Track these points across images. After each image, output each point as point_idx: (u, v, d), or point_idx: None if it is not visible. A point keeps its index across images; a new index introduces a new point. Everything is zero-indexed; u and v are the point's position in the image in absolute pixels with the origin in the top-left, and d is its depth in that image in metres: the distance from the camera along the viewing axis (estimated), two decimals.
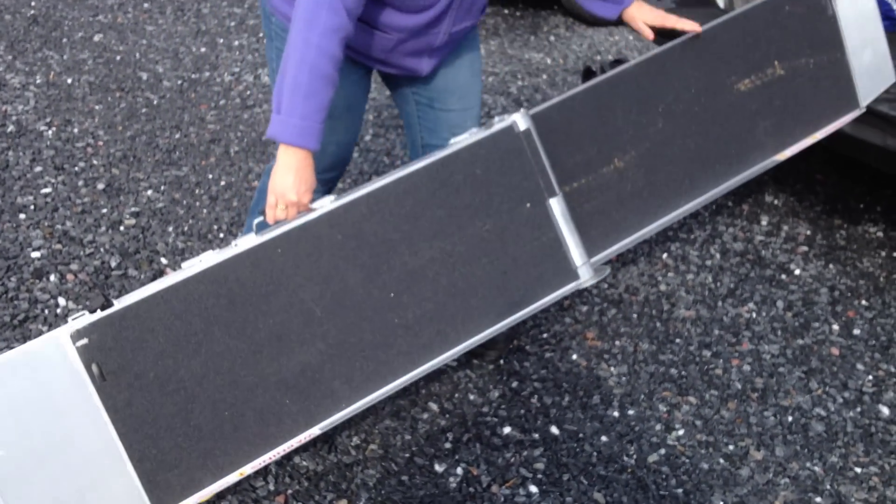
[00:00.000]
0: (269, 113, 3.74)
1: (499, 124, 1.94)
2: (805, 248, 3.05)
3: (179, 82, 3.95)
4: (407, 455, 2.14)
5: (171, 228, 2.90)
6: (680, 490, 2.08)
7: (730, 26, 2.20)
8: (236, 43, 4.43)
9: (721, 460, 2.18)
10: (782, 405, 2.36)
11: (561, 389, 2.38)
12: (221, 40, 4.45)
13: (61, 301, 2.51)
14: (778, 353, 2.55)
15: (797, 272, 2.92)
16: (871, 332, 2.66)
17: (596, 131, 2.08)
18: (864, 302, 2.79)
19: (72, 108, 3.61)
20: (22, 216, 2.86)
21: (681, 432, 2.26)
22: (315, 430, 1.81)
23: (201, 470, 1.71)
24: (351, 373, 1.83)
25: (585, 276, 2.05)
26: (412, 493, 2.03)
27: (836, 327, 2.67)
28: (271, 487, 2.02)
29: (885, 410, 2.36)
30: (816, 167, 3.55)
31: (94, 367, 1.63)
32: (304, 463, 2.09)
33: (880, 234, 3.15)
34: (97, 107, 3.64)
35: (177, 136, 3.49)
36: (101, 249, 2.75)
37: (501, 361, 2.46)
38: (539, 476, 2.11)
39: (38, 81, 3.81)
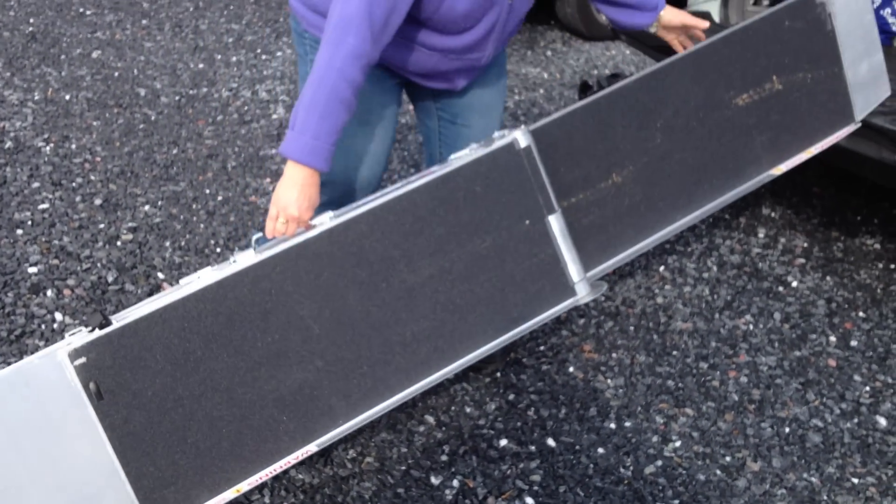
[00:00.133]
0: (266, 128, 3.76)
1: (499, 141, 1.94)
2: (802, 261, 3.06)
3: (177, 98, 3.96)
4: (403, 468, 2.14)
5: (168, 243, 2.91)
6: (676, 501, 2.09)
7: (730, 41, 2.21)
8: (234, 59, 4.45)
9: (718, 471, 2.18)
10: (779, 416, 2.37)
11: (558, 402, 2.39)
12: (219, 56, 4.47)
13: (58, 316, 2.51)
14: (775, 365, 2.56)
15: (794, 284, 2.93)
16: (869, 344, 2.66)
17: (595, 147, 2.09)
18: (861, 314, 2.80)
19: (70, 125, 3.62)
20: (19, 232, 2.87)
21: (678, 444, 2.26)
22: (312, 447, 1.81)
23: (198, 487, 1.71)
24: (349, 390, 1.83)
25: (583, 293, 2.05)
26: None
27: (833, 339, 2.68)
28: (267, 501, 2.02)
29: (882, 421, 2.37)
30: (813, 180, 3.57)
31: (92, 386, 1.63)
32: (301, 476, 2.09)
33: (877, 246, 3.16)
34: (95, 123, 3.66)
35: (174, 151, 3.50)
36: (98, 265, 2.76)
37: (498, 374, 2.47)
38: (535, 488, 2.11)
39: (36, 98, 3.83)
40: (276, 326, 1.76)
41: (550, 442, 2.26)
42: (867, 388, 2.48)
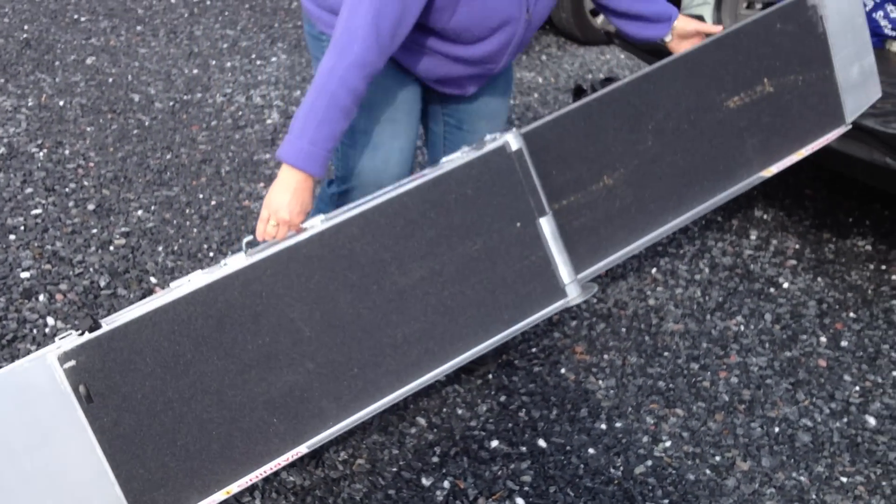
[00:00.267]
0: (261, 133, 3.77)
1: (490, 144, 1.95)
2: (794, 262, 3.07)
3: (171, 104, 3.98)
4: (394, 469, 2.15)
5: (160, 248, 2.92)
6: (666, 501, 2.09)
7: (721, 44, 2.22)
8: (228, 64, 4.47)
9: (707, 471, 2.19)
10: (769, 416, 2.38)
11: (549, 403, 2.40)
12: (214, 62, 4.49)
13: (50, 321, 2.52)
14: (765, 366, 2.57)
15: (785, 285, 2.95)
16: (859, 344, 2.68)
17: (586, 149, 2.10)
18: (851, 314, 2.81)
19: (63, 130, 3.63)
20: (12, 237, 2.88)
21: (668, 444, 2.27)
22: (303, 449, 1.81)
23: (188, 489, 1.72)
24: (339, 392, 1.84)
25: (573, 294, 2.06)
26: None
27: (823, 339, 2.69)
28: (258, 503, 2.03)
29: (872, 421, 2.38)
30: (806, 182, 3.58)
31: (82, 389, 1.64)
32: (291, 478, 2.10)
33: (868, 247, 3.17)
34: (89, 128, 3.67)
35: (168, 156, 3.51)
36: (91, 269, 2.77)
37: (490, 376, 2.48)
38: (526, 489, 2.12)
39: (30, 104, 3.84)
40: (267, 329, 1.77)
41: (541, 443, 2.26)
42: (857, 388, 2.49)
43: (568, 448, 2.25)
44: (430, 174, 1.89)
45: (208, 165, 3.47)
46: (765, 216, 3.34)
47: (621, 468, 2.19)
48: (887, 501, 2.13)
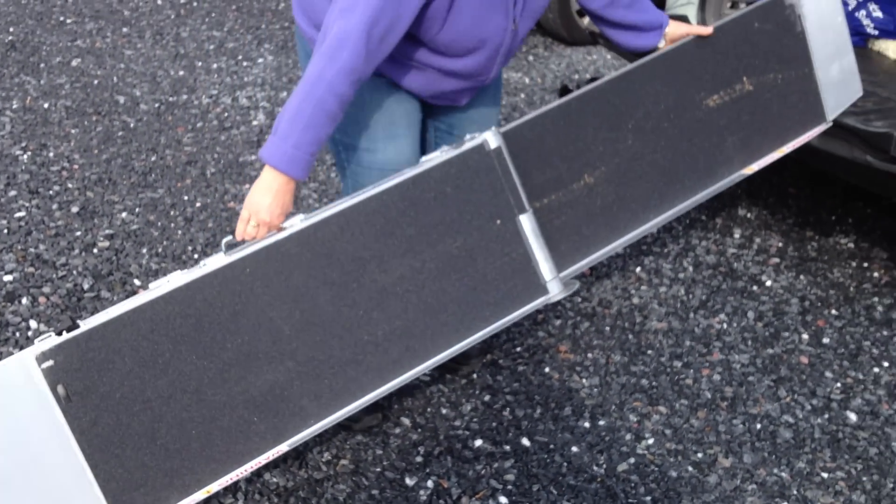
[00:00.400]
0: (246, 134, 3.77)
1: (469, 142, 1.96)
2: (777, 260, 3.09)
3: (157, 105, 3.97)
4: (378, 469, 2.15)
5: (144, 250, 2.92)
6: (648, 498, 2.10)
7: (700, 43, 2.23)
8: (215, 66, 4.46)
9: (690, 468, 2.20)
10: (751, 413, 2.39)
11: (533, 402, 2.40)
12: (200, 63, 4.48)
13: (33, 324, 2.51)
14: (748, 363, 2.58)
15: (768, 283, 2.96)
16: (840, 341, 2.69)
17: (566, 148, 2.11)
18: (833, 311, 2.83)
19: (48, 133, 3.63)
20: None
21: (650, 441, 2.28)
22: (283, 447, 1.81)
23: (168, 488, 1.72)
24: (320, 390, 1.84)
25: (555, 291, 2.07)
26: None
27: (805, 336, 2.71)
28: None
29: (853, 416, 2.39)
30: (789, 181, 3.60)
31: (60, 389, 1.64)
32: (275, 479, 2.10)
33: (851, 245, 3.19)
34: (73, 131, 3.66)
35: (153, 158, 3.51)
36: (74, 272, 2.76)
37: (475, 376, 2.48)
38: (509, 487, 2.12)
39: (14, 106, 3.83)
40: (246, 328, 1.77)
41: (525, 441, 2.27)
42: (838, 385, 2.51)
43: (551, 446, 2.25)
44: (409, 172, 1.90)
45: (193, 167, 3.47)
46: (748, 215, 3.35)
47: (604, 466, 2.20)
48: (868, 496, 2.14)
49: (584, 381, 2.49)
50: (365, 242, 1.86)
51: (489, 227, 1.98)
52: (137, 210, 3.14)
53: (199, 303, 1.73)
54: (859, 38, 3.36)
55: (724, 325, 2.74)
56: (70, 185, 3.24)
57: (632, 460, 2.22)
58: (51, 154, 3.45)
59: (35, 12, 4.97)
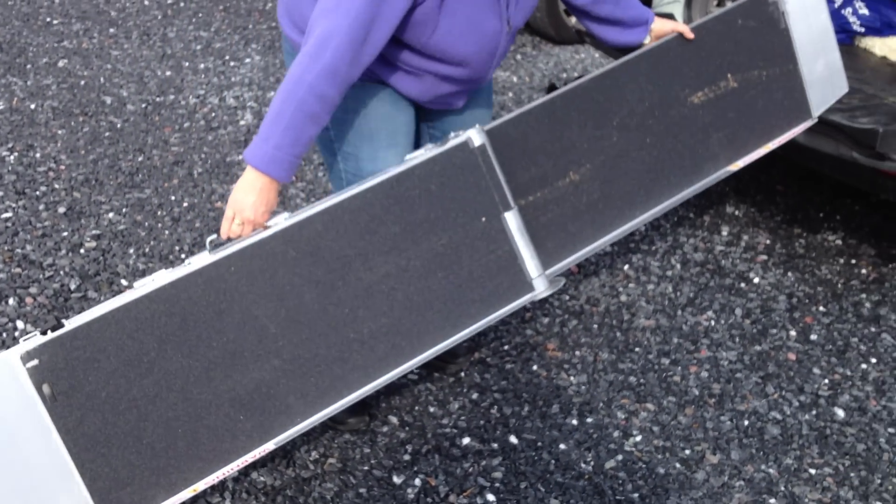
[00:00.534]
0: (234, 134, 3.76)
1: (453, 140, 1.96)
2: (764, 257, 3.09)
3: (144, 106, 3.96)
4: (366, 468, 2.15)
5: (132, 250, 2.91)
6: (636, 495, 2.10)
7: (684, 40, 2.24)
8: (202, 66, 4.45)
9: (677, 465, 2.20)
10: (739, 410, 2.39)
11: (521, 399, 2.40)
12: (187, 63, 4.47)
13: (19, 324, 2.50)
14: (735, 360, 2.59)
15: (756, 280, 2.97)
16: (828, 338, 2.70)
17: (551, 145, 2.11)
18: (821, 308, 2.84)
19: (34, 133, 3.61)
20: None
21: (638, 438, 2.28)
22: (270, 445, 1.81)
23: (154, 487, 1.71)
24: (306, 388, 1.84)
25: (540, 288, 2.07)
26: None
27: (793, 333, 2.71)
28: (228, 503, 2.02)
29: (840, 413, 2.40)
30: (777, 178, 3.61)
31: (46, 388, 1.63)
32: (262, 478, 2.09)
33: (839, 242, 3.20)
34: (60, 131, 3.65)
35: (140, 158, 3.49)
36: (61, 272, 2.75)
37: (462, 374, 2.48)
38: (497, 485, 2.12)
39: (0, 107, 3.81)
40: (232, 326, 1.76)
41: (513, 439, 2.27)
42: (826, 381, 2.51)
43: (539, 444, 2.25)
44: (393, 170, 1.89)
45: (180, 167, 3.46)
46: (736, 212, 3.36)
47: (592, 463, 2.20)
48: (855, 492, 2.15)
49: (571, 378, 2.49)
50: (350, 240, 1.86)
51: (474, 225, 1.98)
52: (124, 210, 3.13)
53: (184, 301, 1.73)
54: (846, 36, 3.37)
55: (712, 323, 2.75)
56: (57, 186, 3.23)
57: (619, 457, 2.22)
58: (38, 155, 3.44)
59: (22, 13, 4.95)
